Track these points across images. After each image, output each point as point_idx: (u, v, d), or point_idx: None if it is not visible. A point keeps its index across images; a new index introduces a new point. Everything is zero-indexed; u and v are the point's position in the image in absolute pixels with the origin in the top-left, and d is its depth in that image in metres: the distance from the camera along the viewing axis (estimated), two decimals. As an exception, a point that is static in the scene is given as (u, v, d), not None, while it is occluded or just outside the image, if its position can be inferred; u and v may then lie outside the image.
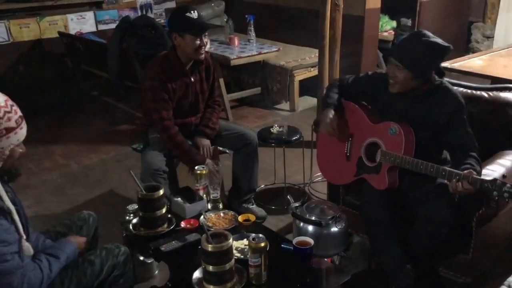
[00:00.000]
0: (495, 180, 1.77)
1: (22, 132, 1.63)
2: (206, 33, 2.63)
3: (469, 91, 2.44)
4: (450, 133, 2.06)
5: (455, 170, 1.87)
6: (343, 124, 2.30)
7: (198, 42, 2.57)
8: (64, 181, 3.67)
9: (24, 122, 1.64)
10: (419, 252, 2.11)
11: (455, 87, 2.27)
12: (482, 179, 1.80)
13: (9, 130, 1.57)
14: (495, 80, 3.25)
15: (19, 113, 1.62)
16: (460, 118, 2.06)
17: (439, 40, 2.01)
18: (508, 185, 1.73)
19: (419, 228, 2.06)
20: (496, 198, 1.77)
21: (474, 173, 1.84)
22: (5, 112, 1.56)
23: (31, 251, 1.67)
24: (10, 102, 1.60)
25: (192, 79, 2.72)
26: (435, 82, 2.10)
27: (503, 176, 1.83)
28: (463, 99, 2.10)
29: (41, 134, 4.40)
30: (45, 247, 1.79)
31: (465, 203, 2.01)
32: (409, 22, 5.78)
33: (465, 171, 1.84)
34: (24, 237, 1.65)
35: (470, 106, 2.21)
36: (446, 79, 2.19)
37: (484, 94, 2.43)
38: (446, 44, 2.01)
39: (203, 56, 2.65)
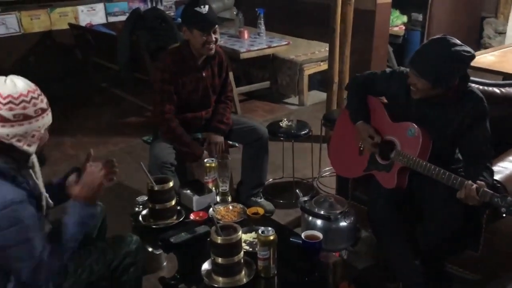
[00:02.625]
0: (505, 196, 1.74)
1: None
2: (217, 28, 2.59)
3: (481, 87, 2.41)
4: (469, 138, 2.01)
5: (466, 180, 1.84)
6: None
7: (205, 38, 2.54)
8: (74, 172, 3.68)
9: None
10: (428, 249, 2.10)
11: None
12: (493, 193, 1.77)
13: (43, 110, 1.71)
14: (507, 76, 3.23)
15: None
16: (482, 124, 2.00)
17: (461, 48, 1.87)
18: None
19: (428, 225, 2.06)
20: (504, 215, 1.75)
21: (486, 186, 1.80)
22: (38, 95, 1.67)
23: (48, 226, 1.74)
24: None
25: (204, 74, 2.70)
26: (460, 88, 2.00)
27: None
28: (487, 104, 2.01)
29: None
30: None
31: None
32: (420, 17, 5.74)
33: (478, 182, 1.82)
34: (45, 214, 1.70)
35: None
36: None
37: (496, 90, 2.40)
38: (468, 53, 1.87)
39: (212, 51, 2.61)
